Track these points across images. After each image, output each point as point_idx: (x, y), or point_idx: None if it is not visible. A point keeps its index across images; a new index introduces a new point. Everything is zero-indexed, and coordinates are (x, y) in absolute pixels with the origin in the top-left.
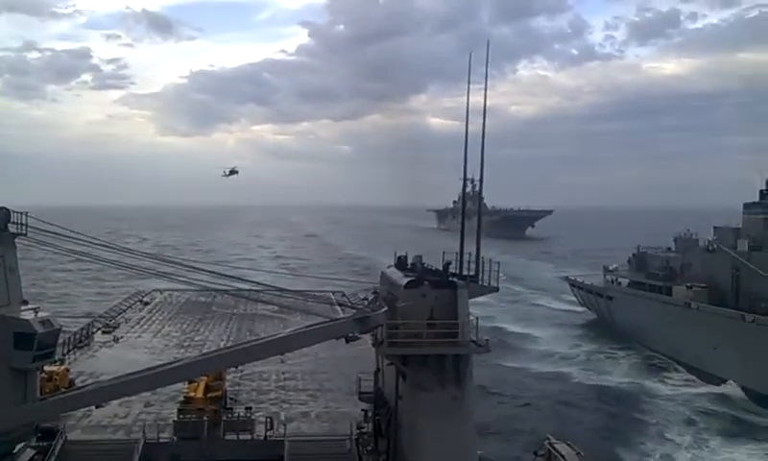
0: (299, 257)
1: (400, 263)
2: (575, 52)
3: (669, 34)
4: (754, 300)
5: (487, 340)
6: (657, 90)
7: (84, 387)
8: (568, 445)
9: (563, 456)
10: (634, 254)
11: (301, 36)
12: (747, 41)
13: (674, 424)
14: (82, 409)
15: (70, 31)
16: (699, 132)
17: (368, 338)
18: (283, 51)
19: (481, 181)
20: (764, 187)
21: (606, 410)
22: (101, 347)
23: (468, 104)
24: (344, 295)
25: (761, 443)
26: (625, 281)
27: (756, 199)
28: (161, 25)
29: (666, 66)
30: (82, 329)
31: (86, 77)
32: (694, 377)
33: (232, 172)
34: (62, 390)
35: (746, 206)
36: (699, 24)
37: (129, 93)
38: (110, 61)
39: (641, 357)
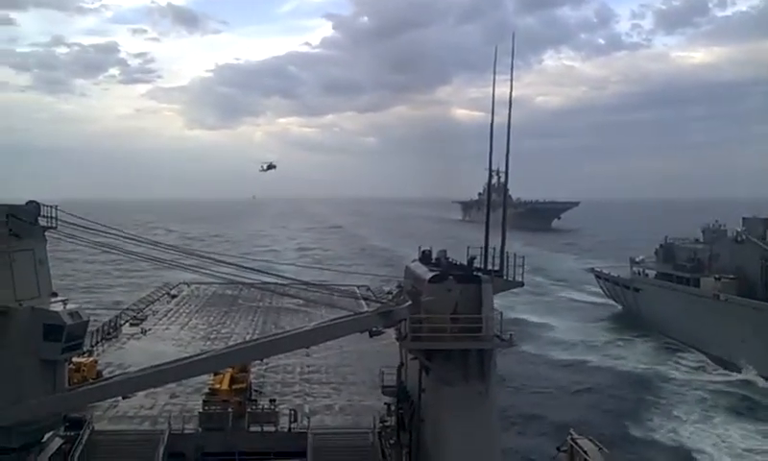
0: (323, 248)
1: (425, 257)
2: (602, 41)
3: (697, 22)
4: None
5: (511, 335)
6: (685, 79)
7: (111, 378)
8: (591, 440)
9: (585, 452)
10: (661, 245)
11: (325, 29)
12: None
13: (684, 404)
14: (109, 400)
15: (97, 26)
16: (728, 121)
17: (391, 332)
18: (307, 44)
19: (506, 172)
20: None
21: (620, 393)
22: (129, 339)
23: (493, 96)
24: (368, 289)
25: (759, 421)
26: (652, 273)
27: None
28: (187, 19)
29: (695, 55)
30: (110, 321)
31: (114, 71)
32: (706, 359)
33: (270, 167)
34: (90, 381)
35: None
36: (728, 12)
37: (156, 87)
38: (137, 56)
39: (660, 344)
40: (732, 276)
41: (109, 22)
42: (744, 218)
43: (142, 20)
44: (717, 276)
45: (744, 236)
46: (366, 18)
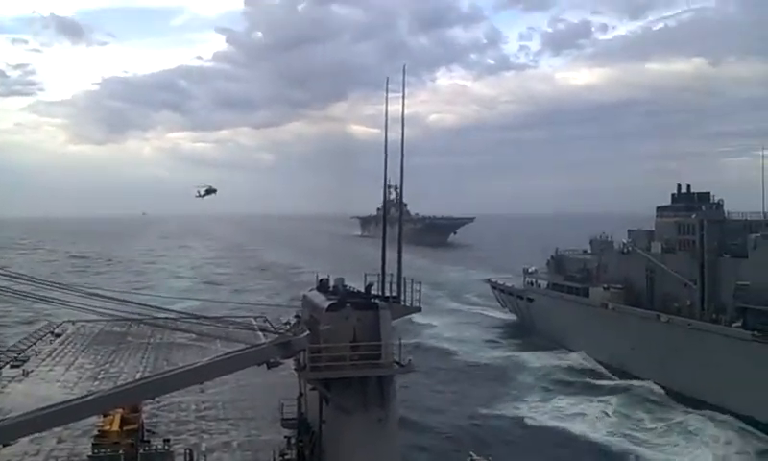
0: (220, 266)
1: (322, 286)
2: (491, 62)
3: (581, 44)
4: (667, 300)
5: (410, 360)
6: (570, 99)
7: None
8: (489, 459)
9: None
10: (552, 257)
11: (218, 43)
12: (654, 52)
13: (531, 387)
14: None
15: None
16: (612, 140)
17: (290, 363)
18: (199, 57)
19: (401, 190)
20: (676, 191)
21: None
22: (9, 381)
23: (386, 123)
24: (266, 320)
25: (591, 394)
26: (544, 283)
27: (669, 202)
28: (71, 30)
29: (578, 76)
30: None
31: None
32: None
33: (209, 191)
34: None
35: (659, 209)
36: (609, 35)
37: (37, 100)
38: (17, 67)
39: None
40: (619, 286)
41: None
42: (630, 230)
43: (22, 30)
44: (606, 286)
45: (630, 248)
46: (260, 33)
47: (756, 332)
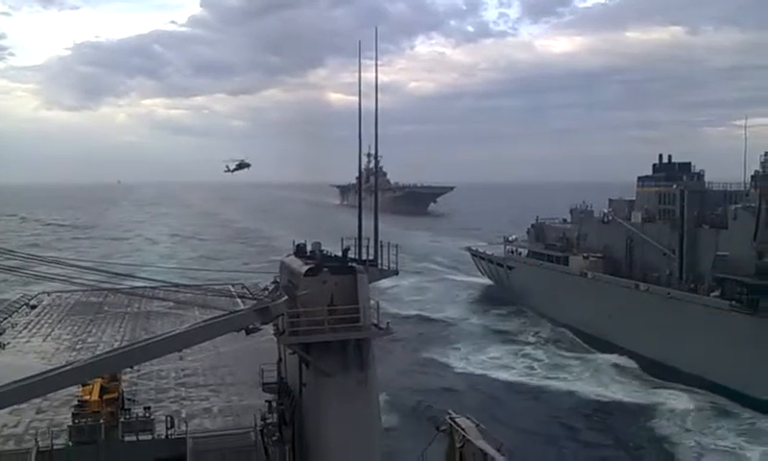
0: (199, 234)
1: (299, 251)
2: (470, 29)
3: (560, 12)
4: (647, 269)
5: (388, 323)
6: (549, 67)
7: None
8: (468, 418)
9: (464, 430)
10: (532, 225)
11: (193, 7)
12: (633, 20)
13: (469, 339)
14: None
15: None
16: (592, 108)
17: (270, 328)
18: (174, 22)
19: (375, 157)
20: (657, 161)
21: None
22: None
23: (359, 89)
24: (244, 286)
25: (513, 344)
26: (524, 252)
27: (650, 172)
28: None
29: (557, 44)
30: None
31: None
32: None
33: (240, 166)
34: None
35: (640, 179)
36: (588, 3)
37: (8, 65)
38: None
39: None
40: (599, 254)
41: None
42: (610, 199)
43: None
44: (585, 255)
45: (610, 217)
46: None
47: (733, 303)
